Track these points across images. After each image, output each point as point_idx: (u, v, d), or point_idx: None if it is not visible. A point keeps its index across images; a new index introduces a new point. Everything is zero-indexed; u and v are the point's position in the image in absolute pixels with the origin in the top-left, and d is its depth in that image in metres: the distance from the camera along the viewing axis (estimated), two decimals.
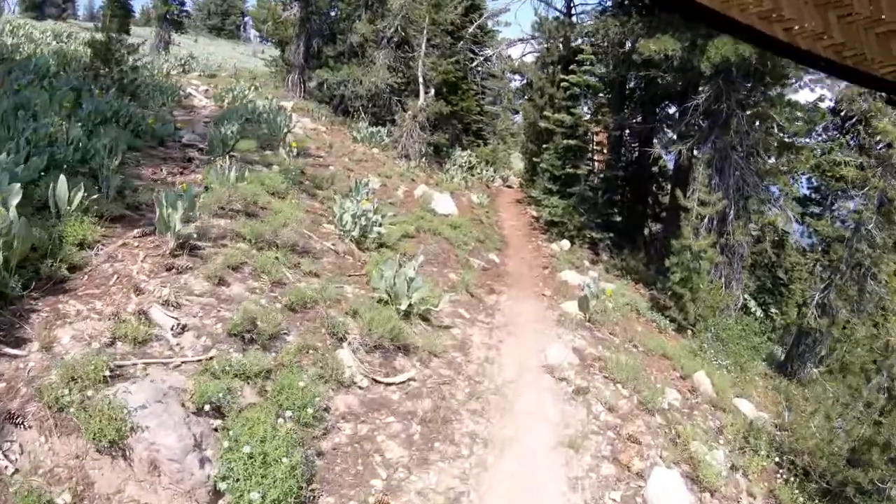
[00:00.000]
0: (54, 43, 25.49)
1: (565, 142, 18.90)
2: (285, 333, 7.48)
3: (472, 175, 27.11)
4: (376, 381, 7.69)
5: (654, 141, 25.13)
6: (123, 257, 7.43)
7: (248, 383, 6.18)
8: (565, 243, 18.52)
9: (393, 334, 8.43)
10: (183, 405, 5.52)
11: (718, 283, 16.71)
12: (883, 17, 1.20)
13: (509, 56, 31.12)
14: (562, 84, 19.73)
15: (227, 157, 14.13)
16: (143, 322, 6.26)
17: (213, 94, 23.24)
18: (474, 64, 30.55)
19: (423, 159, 22.63)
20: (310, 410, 6.13)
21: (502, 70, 32.27)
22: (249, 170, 13.09)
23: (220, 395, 5.57)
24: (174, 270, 7.58)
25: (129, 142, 11.85)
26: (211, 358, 6.20)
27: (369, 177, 18.52)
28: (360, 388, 7.55)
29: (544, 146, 20.46)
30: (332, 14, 28.28)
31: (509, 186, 31.19)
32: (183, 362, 6.09)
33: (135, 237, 7.96)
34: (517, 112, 34.81)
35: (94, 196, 7.95)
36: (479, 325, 11.00)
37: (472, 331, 10.56)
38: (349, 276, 10.49)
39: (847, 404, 10.32)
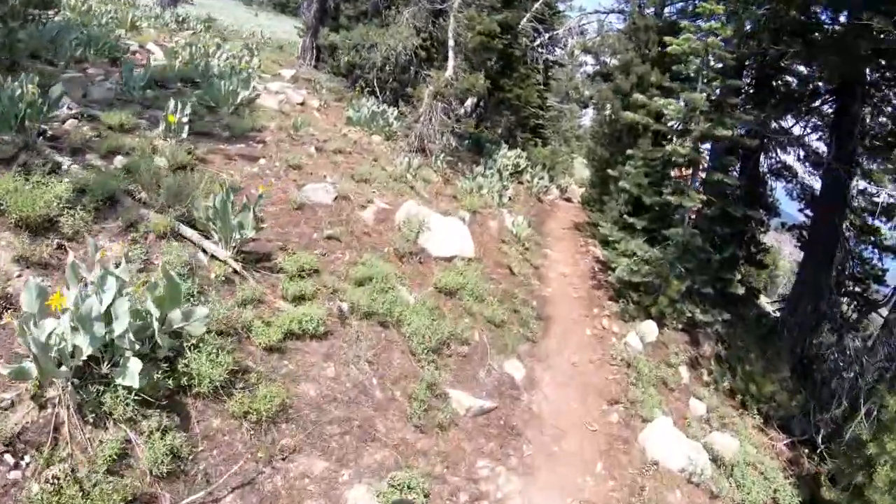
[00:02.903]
0: None
1: (669, 148, 9.68)
2: None
3: (520, 183, 18.09)
4: None
5: (762, 160, 15.72)
6: None
7: None
8: (649, 327, 9.51)
9: None
10: None
11: None
12: None
13: (581, 33, 21.66)
14: (666, 52, 10.45)
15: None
16: None
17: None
18: (536, 42, 21.33)
19: (443, 156, 13.77)
20: None
21: (571, 51, 22.85)
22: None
23: None
24: None
25: None
26: None
27: (326, 179, 10.08)
28: None
29: (628, 153, 11.25)
30: None
31: (568, 199, 21.97)
32: None
33: None
34: (586, 106, 25.24)
35: None
36: None
37: None
38: None
39: None
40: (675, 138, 10.28)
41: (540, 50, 22.52)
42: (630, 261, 10.12)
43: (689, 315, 10.01)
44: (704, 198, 9.53)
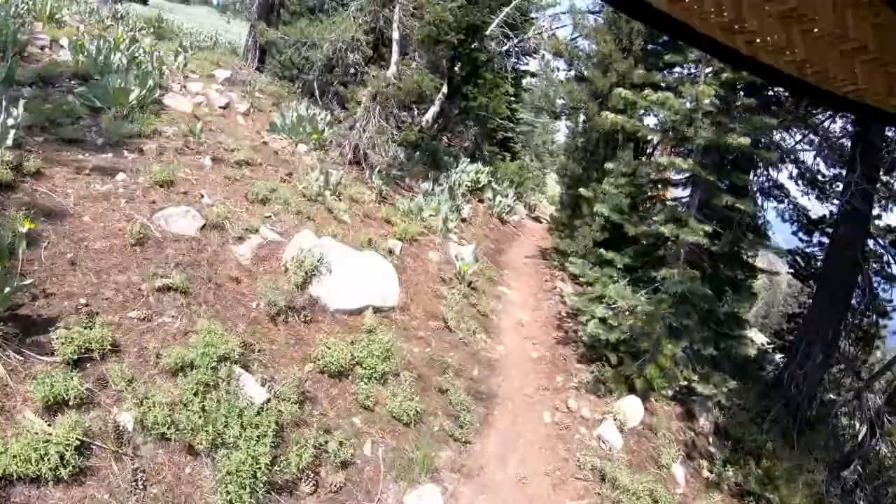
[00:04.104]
0: None
1: (663, 160, 6.84)
2: None
3: (480, 201, 15.27)
4: None
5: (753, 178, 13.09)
6: None
7: None
8: (632, 407, 6.65)
9: None
10: None
11: None
12: (848, 34, 0.91)
13: (553, 34, 18.85)
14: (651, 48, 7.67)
15: None
16: None
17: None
18: (505, 48, 18.54)
19: (379, 169, 10.91)
20: None
21: (542, 55, 20.11)
22: None
23: None
24: None
25: None
26: None
27: (203, 200, 7.17)
28: None
29: (606, 167, 8.38)
30: None
31: (536, 219, 19.17)
32: None
33: None
34: (558, 117, 22.50)
35: None
36: None
37: None
38: None
39: None
40: (665, 148, 7.49)
41: (511, 58, 19.77)
42: (607, 311, 7.23)
43: (687, 384, 7.17)
44: (710, 229, 6.68)
